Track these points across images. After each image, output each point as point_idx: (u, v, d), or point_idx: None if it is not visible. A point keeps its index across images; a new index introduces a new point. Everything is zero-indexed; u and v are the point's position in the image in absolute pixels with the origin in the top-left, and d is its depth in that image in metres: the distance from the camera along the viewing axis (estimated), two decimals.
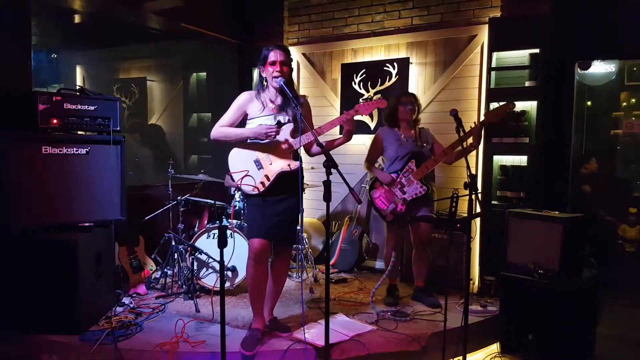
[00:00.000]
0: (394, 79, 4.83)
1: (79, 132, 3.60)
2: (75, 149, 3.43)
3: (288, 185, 3.11)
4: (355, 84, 5.02)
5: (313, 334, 3.24)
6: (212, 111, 5.81)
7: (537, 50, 4.17)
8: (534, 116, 4.24)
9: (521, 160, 4.39)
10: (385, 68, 4.86)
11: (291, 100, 3.03)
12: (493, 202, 4.39)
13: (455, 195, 3.14)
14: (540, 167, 4.20)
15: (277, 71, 3.06)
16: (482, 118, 4.44)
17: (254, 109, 3.15)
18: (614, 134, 6.88)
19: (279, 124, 3.10)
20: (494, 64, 4.33)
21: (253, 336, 3.14)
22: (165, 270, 4.28)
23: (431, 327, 3.54)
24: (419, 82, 4.79)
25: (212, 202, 4.40)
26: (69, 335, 3.21)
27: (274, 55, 3.08)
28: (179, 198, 4.26)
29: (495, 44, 4.30)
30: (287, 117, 3.12)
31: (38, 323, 3.22)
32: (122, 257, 4.11)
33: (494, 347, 3.75)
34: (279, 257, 3.30)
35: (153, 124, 6.13)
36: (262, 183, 3.07)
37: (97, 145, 3.53)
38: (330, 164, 2.77)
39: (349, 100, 5.04)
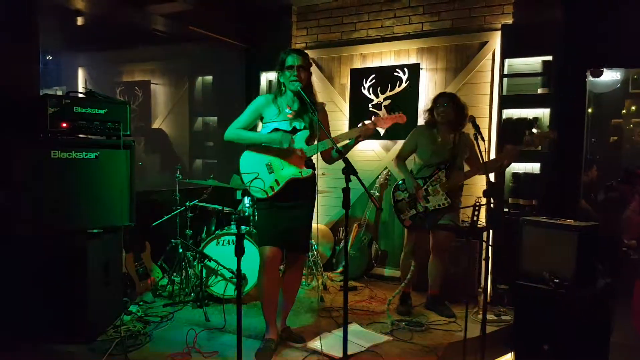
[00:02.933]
0: (404, 85, 4.78)
1: (88, 136, 3.52)
2: (84, 153, 3.35)
3: (300, 192, 3.06)
4: (364, 89, 4.97)
5: (328, 344, 3.17)
6: (218, 115, 5.75)
7: (549, 58, 4.14)
8: (547, 123, 4.21)
9: (533, 167, 4.36)
10: (395, 73, 4.81)
11: (308, 106, 2.98)
12: (505, 209, 4.34)
13: (477, 203, 3.08)
14: (553, 174, 4.17)
15: (294, 75, 3.00)
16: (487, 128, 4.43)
17: (270, 113, 3.10)
18: (613, 141, 6.91)
19: (294, 130, 3.05)
20: (505, 71, 4.30)
21: (267, 347, 3.07)
22: (173, 277, 4.20)
23: (447, 338, 3.49)
24: (429, 88, 4.75)
25: (221, 207, 4.33)
26: (77, 344, 3.12)
27: (292, 60, 3.04)
28: (187, 203, 4.18)
29: (508, 51, 4.26)
30: (303, 124, 3.07)
31: (46, 332, 3.14)
32: (128, 263, 4.02)
33: (509, 357, 3.71)
34: (292, 265, 3.23)
35: (156, 128, 6.05)
36: (271, 187, 3.01)
37: (107, 150, 3.44)
38: (349, 171, 2.72)
39: (358, 105, 5.00)
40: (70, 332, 3.15)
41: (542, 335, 3.56)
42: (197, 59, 5.81)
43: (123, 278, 3.81)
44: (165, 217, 4.21)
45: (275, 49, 5.27)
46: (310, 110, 3.03)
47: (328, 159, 3.20)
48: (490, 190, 3.16)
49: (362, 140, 3.02)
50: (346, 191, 2.82)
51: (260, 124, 3.21)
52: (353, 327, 3.52)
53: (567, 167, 4.18)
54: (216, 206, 4.34)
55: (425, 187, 3.78)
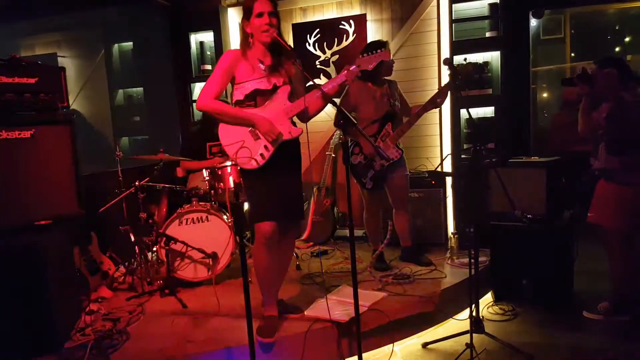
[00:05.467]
0: (351, 38, 4.60)
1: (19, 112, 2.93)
2: (17, 132, 2.79)
3: (289, 155, 2.78)
4: (309, 45, 4.71)
5: (326, 310, 2.98)
6: (144, 85, 5.16)
7: (496, 0, 4.18)
8: (497, 67, 4.27)
9: (485, 112, 4.43)
10: (341, 26, 4.60)
11: (290, 54, 2.69)
12: (462, 155, 4.39)
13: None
14: (506, 116, 4.26)
15: (266, 24, 2.66)
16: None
17: (243, 72, 2.72)
18: None
19: (275, 88, 2.73)
20: (453, 17, 4.27)
21: (269, 324, 2.82)
22: (130, 267, 3.74)
23: (436, 285, 3.47)
24: (375, 39, 4.59)
25: (173, 185, 3.91)
26: (43, 357, 2.65)
27: (260, 6, 2.65)
28: (137, 184, 3.70)
29: None
30: (281, 79, 2.76)
31: (4, 348, 2.62)
32: (76, 258, 3.50)
33: (488, 296, 3.79)
34: (286, 235, 2.94)
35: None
36: (261, 155, 2.69)
37: (43, 126, 2.90)
38: (347, 122, 2.52)
39: (304, 63, 4.67)
40: (33, 344, 2.66)
41: (519, 271, 3.67)
42: (112, 24, 5.12)
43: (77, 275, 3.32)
44: (113, 202, 3.70)
45: (204, 6, 4.86)
46: (285, 61, 2.75)
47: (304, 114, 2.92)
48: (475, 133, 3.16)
49: (349, 84, 2.78)
50: (345, 145, 2.63)
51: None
52: (345, 289, 3.37)
53: (518, 108, 4.30)
54: (167, 185, 3.90)
55: (376, 143, 3.64)
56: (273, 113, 2.71)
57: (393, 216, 3.92)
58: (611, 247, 3.30)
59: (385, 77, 3.73)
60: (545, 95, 7.24)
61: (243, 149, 2.68)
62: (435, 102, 3.56)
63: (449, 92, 3.57)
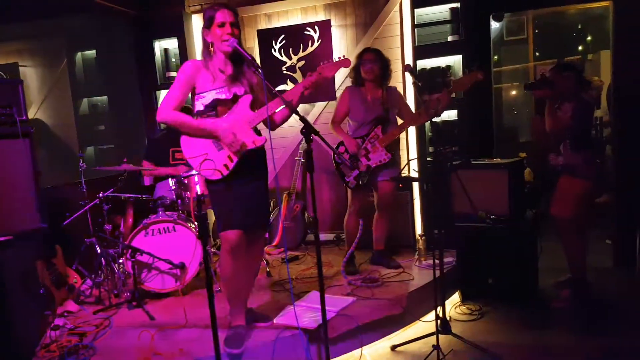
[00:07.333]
0: (316, 44, 4.62)
1: None
2: None
3: (254, 164, 2.79)
4: (275, 51, 4.71)
5: (298, 317, 3.00)
6: (108, 94, 5.08)
7: (457, 4, 4.25)
8: (459, 70, 4.35)
9: (449, 115, 4.50)
10: (306, 32, 4.61)
11: (248, 64, 2.70)
12: (428, 158, 4.45)
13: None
14: (470, 119, 4.34)
15: (227, 33, 2.68)
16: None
17: (203, 82, 2.72)
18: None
19: (235, 98, 2.74)
20: (415, 21, 4.33)
21: (237, 333, 2.81)
22: (97, 280, 3.69)
23: (404, 288, 3.52)
24: (341, 45, 4.64)
25: (139, 196, 3.87)
26: None
27: (222, 16, 2.67)
28: (101, 195, 3.65)
29: (417, 1, 4.29)
30: (242, 89, 2.77)
31: None
32: (40, 272, 3.43)
33: (456, 297, 3.85)
34: (253, 244, 2.95)
35: (30, 119, 5.21)
36: (225, 165, 2.69)
37: (2, 141, 2.85)
38: (309, 130, 2.54)
39: (270, 69, 4.72)
40: None
41: (485, 271, 3.75)
42: (74, 32, 5.03)
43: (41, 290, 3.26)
44: (77, 214, 3.65)
45: (168, 13, 4.83)
46: (247, 71, 2.76)
47: (276, 122, 2.93)
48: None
49: (309, 92, 2.79)
50: (309, 153, 2.65)
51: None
52: (315, 296, 3.39)
53: (480, 110, 4.37)
54: (133, 195, 3.86)
55: (364, 145, 3.71)
56: (235, 123, 2.71)
57: (374, 218, 3.96)
58: (568, 237, 3.54)
59: (387, 83, 3.81)
60: (513, 93, 7.42)
61: (207, 161, 2.68)
62: (432, 112, 3.59)
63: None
